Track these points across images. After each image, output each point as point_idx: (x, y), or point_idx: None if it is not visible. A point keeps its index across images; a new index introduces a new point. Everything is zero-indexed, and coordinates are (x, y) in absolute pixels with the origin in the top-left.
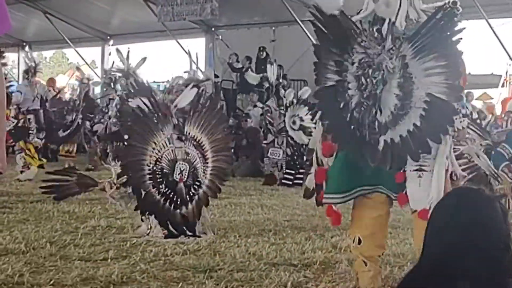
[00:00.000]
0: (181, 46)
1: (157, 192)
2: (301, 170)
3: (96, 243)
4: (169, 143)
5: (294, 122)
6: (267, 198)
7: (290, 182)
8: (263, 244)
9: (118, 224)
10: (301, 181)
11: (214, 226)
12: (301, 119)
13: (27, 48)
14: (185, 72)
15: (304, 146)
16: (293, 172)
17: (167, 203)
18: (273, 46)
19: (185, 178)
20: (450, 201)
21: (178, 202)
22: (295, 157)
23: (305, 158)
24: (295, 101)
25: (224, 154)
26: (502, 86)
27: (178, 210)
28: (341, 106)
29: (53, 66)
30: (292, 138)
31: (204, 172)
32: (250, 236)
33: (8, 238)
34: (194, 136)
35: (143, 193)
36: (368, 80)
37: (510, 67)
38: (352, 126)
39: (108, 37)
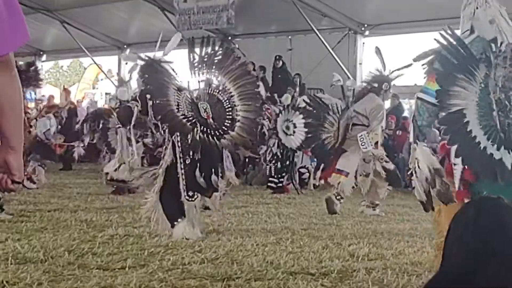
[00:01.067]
0: (197, 55)
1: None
2: (283, 175)
3: (114, 251)
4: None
5: (287, 127)
6: (284, 206)
7: (275, 186)
8: (281, 253)
9: (135, 233)
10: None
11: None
12: (295, 125)
13: (44, 57)
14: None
15: (292, 150)
16: (279, 176)
17: (210, 138)
18: (290, 55)
19: (211, 115)
20: (470, 210)
21: (217, 134)
22: (283, 161)
23: (292, 162)
24: (290, 105)
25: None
26: None
27: (219, 142)
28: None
29: (70, 75)
30: (280, 141)
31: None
32: (268, 244)
33: (26, 247)
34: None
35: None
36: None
37: None
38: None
39: (125, 46)
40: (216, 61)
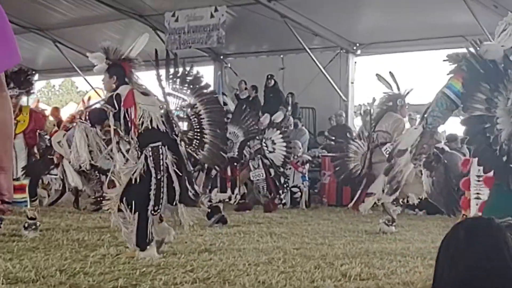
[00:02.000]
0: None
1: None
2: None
3: (105, 271)
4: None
5: (266, 145)
6: (276, 226)
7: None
8: (273, 273)
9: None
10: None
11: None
12: (273, 142)
13: (36, 76)
14: None
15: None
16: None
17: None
18: (282, 74)
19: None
20: (461, 230)
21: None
22: (276, 179)
23: (282, 179)
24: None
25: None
26: None
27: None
28: (491, 140)
29: (62, 94)
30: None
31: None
32: (260, 264)
33: (18, 267)
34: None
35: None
36: None
37: None
38: (501, 156)
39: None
40: (188, 80)
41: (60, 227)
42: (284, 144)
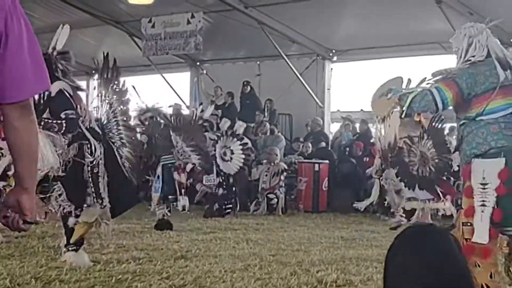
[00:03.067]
0: (166, 80)
1: None
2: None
3: (81, 278)
4: None
5: (225, 153)
6: (252, 232)
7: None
8: (249, 279)
9: (103, 259)
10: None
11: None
12: (232, 152)
13: None
14: (169, 106)
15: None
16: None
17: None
18: (259, 80)
19: None
20: (407, 239)
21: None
22: (224, 187)
23: (233, 188)
24: (229, 132)
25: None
26: None
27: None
28: None
29: None
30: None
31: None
32: (236, 271)
33: None
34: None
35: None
36: None
37: None
38: None
39: (93, 72)
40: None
41: (36, 234)
42: (243, 156)
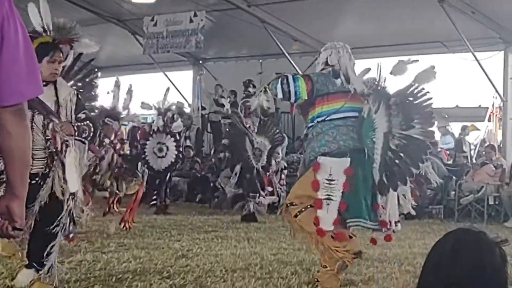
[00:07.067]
0: (168, 78)
1: None
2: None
3: (82, 278)
4: None
5: (160, 149)
6: (254, 231)
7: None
8: (249, 279)
9: (104, 259)
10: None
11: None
12: (167, 148)
13: None
14: (171, 104)
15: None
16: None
17: None
18: (260, 78)
19: None
20: (450, 240)
21: None
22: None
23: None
24: (161, 129)
25: None
26: (489, 120)
27: None
28: None
29: None
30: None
31: None
32: (236, 270)
33: None
34: None
35: None
36: None
37: (496, 100)
38: None
39: (96, 70)
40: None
41: None
42: (176, 152)
